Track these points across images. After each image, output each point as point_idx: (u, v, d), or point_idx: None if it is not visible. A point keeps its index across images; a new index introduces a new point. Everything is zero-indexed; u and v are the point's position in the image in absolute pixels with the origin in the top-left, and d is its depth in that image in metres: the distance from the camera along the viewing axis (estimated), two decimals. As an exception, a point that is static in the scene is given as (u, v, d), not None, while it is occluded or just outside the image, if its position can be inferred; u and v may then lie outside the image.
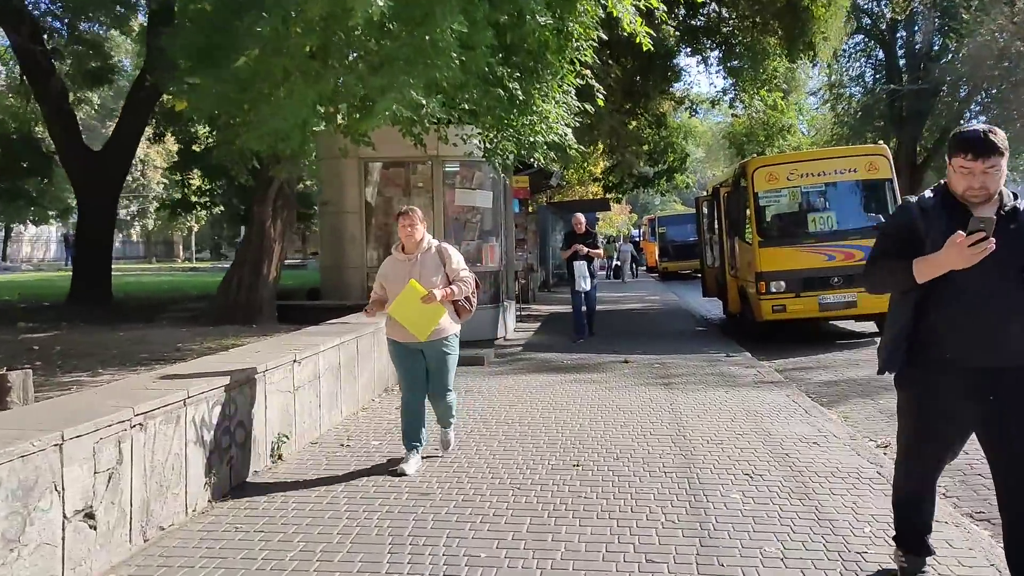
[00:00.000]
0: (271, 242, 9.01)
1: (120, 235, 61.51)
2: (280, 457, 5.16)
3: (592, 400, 7.18)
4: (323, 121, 7.06)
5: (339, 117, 7.26)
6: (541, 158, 8.42)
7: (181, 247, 56.10)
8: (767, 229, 11.37)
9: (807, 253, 11.04)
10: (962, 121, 30.38)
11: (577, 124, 8.54)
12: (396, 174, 11.11)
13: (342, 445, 5.64)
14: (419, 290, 4.77)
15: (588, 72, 8.50)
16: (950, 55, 26.97)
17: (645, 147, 19.14)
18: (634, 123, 17.42)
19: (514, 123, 7.96)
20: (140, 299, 15.71)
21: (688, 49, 17.56)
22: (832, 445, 5.49)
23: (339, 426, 6.22)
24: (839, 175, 11.40)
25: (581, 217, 11.54)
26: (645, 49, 7.29)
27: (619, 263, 29.49)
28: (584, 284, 11.19)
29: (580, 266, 11.15)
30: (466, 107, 7.28)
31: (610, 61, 13.49)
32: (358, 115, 7.10)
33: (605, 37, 8.22)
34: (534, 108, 7.81)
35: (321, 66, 7.08)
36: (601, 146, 17.50)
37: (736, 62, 16.09)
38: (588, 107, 8.40)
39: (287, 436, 5.25)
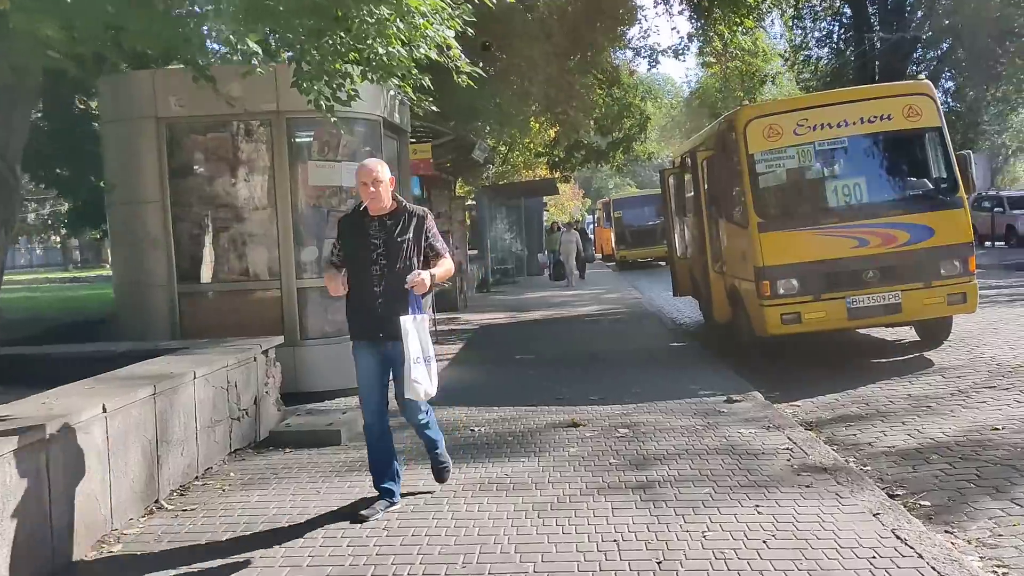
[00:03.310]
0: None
1: (39, 240, 55.49)
2: None
3: (506, 558, 3.62)
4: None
5: None
6: (408, 88, 4.79)
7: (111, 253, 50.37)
8: (769, 206, 8.00)
9: (827, 237, 7.70)
10: (942, 80, 27.76)
11: (464, 28, 4.89)
12: (218, 142, 7.32)
13: None
14: None
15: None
16: (925, 6, 24.19)
17: (595, 112, 15.55)
18: (579, 79, 13.80)
19: (350, 23, 4.30)
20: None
21: (643, -13, 14.04)
22: None
23: None
24: (868, 124, 8.00)
25: (378, 169, 3.95)
26: None
27: (561, 258, 22.13)
28: (412, 378, 3.91)
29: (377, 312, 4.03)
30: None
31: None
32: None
33: None
34: (382, -7, 4.16)
35: None
36: (535, 106, 13.73)
37: (705, -2, 12.63)
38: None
39: None
